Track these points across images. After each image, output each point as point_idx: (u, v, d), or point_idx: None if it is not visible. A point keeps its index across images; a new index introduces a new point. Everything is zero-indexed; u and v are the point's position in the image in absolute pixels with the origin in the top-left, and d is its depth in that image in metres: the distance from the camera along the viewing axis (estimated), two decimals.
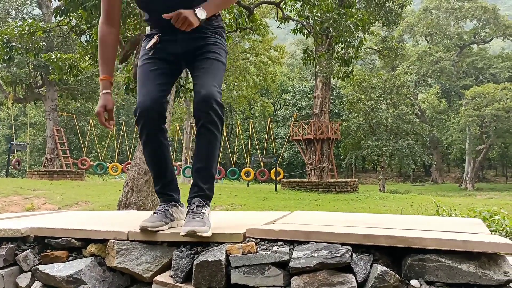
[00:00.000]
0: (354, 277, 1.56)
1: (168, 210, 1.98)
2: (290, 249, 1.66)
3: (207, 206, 1.90)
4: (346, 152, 30.33)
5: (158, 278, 1.77)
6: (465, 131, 32.42)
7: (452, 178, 40.32)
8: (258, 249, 1.70)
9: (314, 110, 20.53)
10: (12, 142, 20.75)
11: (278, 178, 18.89)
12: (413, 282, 1.52)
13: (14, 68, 18.99)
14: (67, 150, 20.33)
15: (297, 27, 10.16)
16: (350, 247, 1.61)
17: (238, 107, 35.52)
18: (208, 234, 1.74)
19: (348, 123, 27.65)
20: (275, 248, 1.68)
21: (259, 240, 1.75)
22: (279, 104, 41.98)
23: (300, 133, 20.35)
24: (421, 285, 1.51)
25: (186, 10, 1.82)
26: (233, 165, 24.19)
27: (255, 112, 39.84)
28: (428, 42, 38.42)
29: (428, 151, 35.31)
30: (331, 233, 1.65)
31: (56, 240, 1.96)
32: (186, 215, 1.85)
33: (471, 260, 1.50)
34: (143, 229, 1.82)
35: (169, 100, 1.96)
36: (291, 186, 18.82)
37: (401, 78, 26.81)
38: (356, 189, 18.95)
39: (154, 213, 1.96)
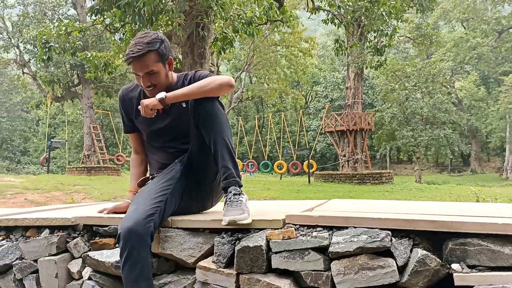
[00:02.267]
0: (394, 261, 1.58)
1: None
2: (329, 235, 1.69)
3: (243, 193, 1.92)
4: (380, 143, 29.80)
5: (201, 263, 1.83)
6: (505, 118, 31.20)
7: (492, 168, 38.96)
8: (298, 234, 1.73)
9: (346, 101, 20.27)
10: (51, 140, 21.51)
11: (311, 171, 18.82)
12: (455, 266, 1.52)
13: (52, 68, 19.67)
14: (104, 147, 20.93)
15: (328, 17, 10.07)
16: (389, 232, 1.62)
17: (270, 100, 35.50)
18: (248, 221, 1.78)
19: (381, 113, 27.09)
20: (314, 233, 1.71)
21: (298, 226, 1.79)
22: (310, 96, 41.64)
23: (333, 124, 20.14)
24: (462, 268, 1.51)
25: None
26: (266, 158, 24.31)
27: (287, 105, 39.68)
28: (464, 28, 37.08)
29: (467, 140, 34.23)
30: (370, 218, 1.67)
31: (104, 228, 2.06)
32: (225, 204, 1.89)
33: None
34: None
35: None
36: (324, 178, 18.68)
37: (437, 66, 25.98)
38: (391, 180, 18.61)
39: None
